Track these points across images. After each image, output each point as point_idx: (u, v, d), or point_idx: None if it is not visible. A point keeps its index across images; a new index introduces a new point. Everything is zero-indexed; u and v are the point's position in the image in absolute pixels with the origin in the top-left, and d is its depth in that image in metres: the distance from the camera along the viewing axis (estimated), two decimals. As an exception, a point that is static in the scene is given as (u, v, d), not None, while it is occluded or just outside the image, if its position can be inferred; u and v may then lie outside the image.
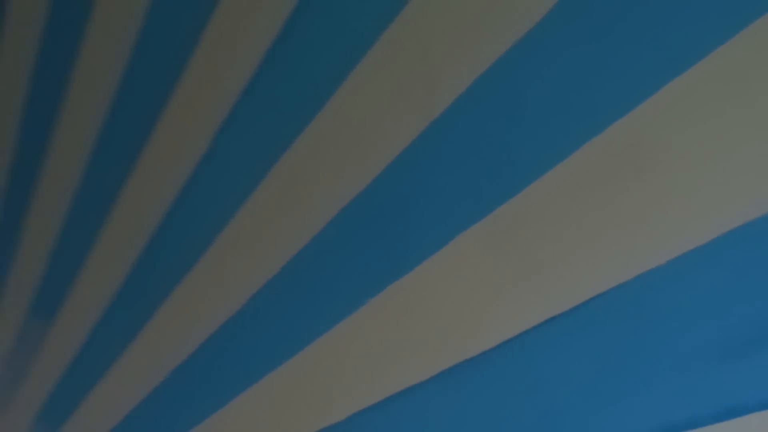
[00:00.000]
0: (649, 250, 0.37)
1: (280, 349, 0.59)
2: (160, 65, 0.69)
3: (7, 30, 0.94)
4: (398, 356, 0.52)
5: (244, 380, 0.63)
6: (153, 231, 0.73)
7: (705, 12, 0.34)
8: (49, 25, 0.85)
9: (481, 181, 0.45)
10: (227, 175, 0.62)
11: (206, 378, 0.69)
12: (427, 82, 0.47)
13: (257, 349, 0.61)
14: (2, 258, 1.08)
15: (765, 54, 0.32)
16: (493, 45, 0.43)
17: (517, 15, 0.42)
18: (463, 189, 0.46)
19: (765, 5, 0.32)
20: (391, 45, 0.49)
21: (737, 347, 0.34)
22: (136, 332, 0.81)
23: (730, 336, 0.34)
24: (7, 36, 0.94)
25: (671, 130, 0.36)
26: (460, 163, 0.47)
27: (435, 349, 0.50)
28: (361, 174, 0.51)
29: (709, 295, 0.35)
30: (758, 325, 0.33)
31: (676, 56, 0.35)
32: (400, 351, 0.52)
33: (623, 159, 0.38)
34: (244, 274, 0.61)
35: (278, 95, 0.58)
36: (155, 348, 0.77)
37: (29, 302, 1.03)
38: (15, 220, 1.04)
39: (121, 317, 0.86)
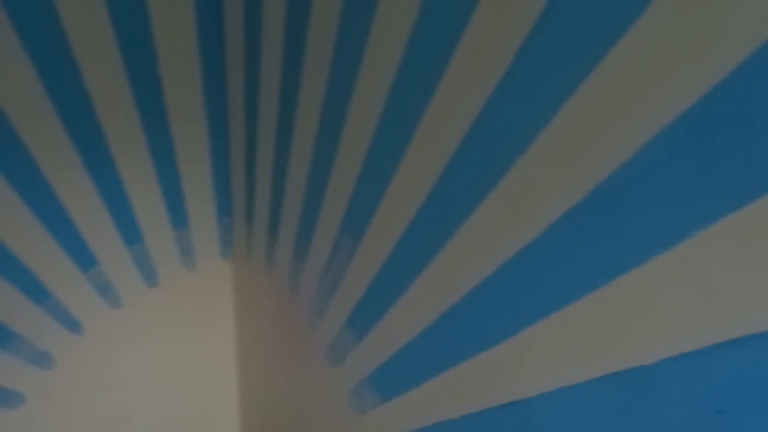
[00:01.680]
0: None
1: (586, 278, 0.55)
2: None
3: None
4: (729, 300, 0.44)
5: (543, 308, 0.61)
6: (453, 153, 0.74)
7: None
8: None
9: None
10: (531, 92, 0.58)
11: (503, 302, 0.69)
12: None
13: (561, 276, 0.58)
14: (318, 183, 1.21)
15: None
16: None
17: None
18: None
19: None
20: None
21: None
22: (436, 251, 0.84)
23: None
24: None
25: None
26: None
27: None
28: (697, 78, 0.42)
29: None
30: None
31: None
32: (732, 293, 0.44)
33: None
34: (548, 195, 0.57)
35: (586, 4, 0.51)
36: (454, 267, 0.79)
37: (341, 222, 1.15)
38: (328, 148, 1.15)
39: (422, 236, 0.91)
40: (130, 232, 1.38)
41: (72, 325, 1.33)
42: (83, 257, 1.33)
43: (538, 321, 0.63)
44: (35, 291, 1.27)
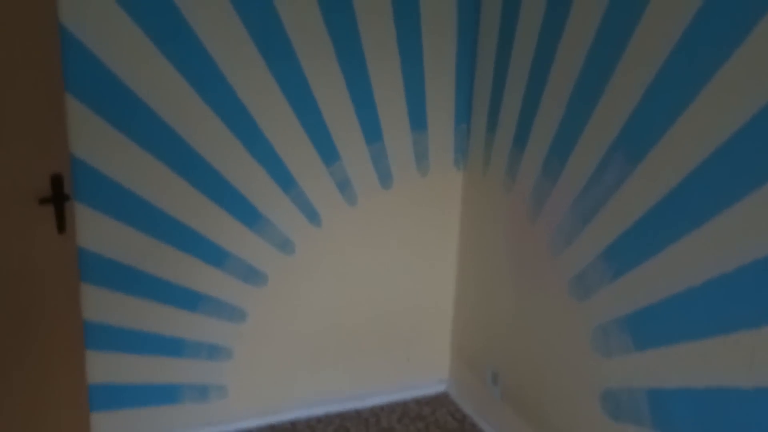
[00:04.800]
0: None
1: None
2: None
3: None
4: None
5: None
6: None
7: None
8: None
9: None
10: None
11: None
12: None
13: None
14: (587, 96, 1.07)
15: None
16: None
17: None
18: None
19: None
20: None
21: None
22: (750, 189, 0.66)
23: None
24: None
25: None
26: None
27: None
28: None
29: None
30: None
31: None
32: None
33: None
34: None
35: None
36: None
37: (614, 139, 1.00)
38: (607, 57, 1.00)
39: (733, 166, 0.72)
40: (371, 130, 1.37)
41: (312, 216, 1.38)
42: (327, 151, 1.35)
43: None
44: (284, 178, 1.33)
